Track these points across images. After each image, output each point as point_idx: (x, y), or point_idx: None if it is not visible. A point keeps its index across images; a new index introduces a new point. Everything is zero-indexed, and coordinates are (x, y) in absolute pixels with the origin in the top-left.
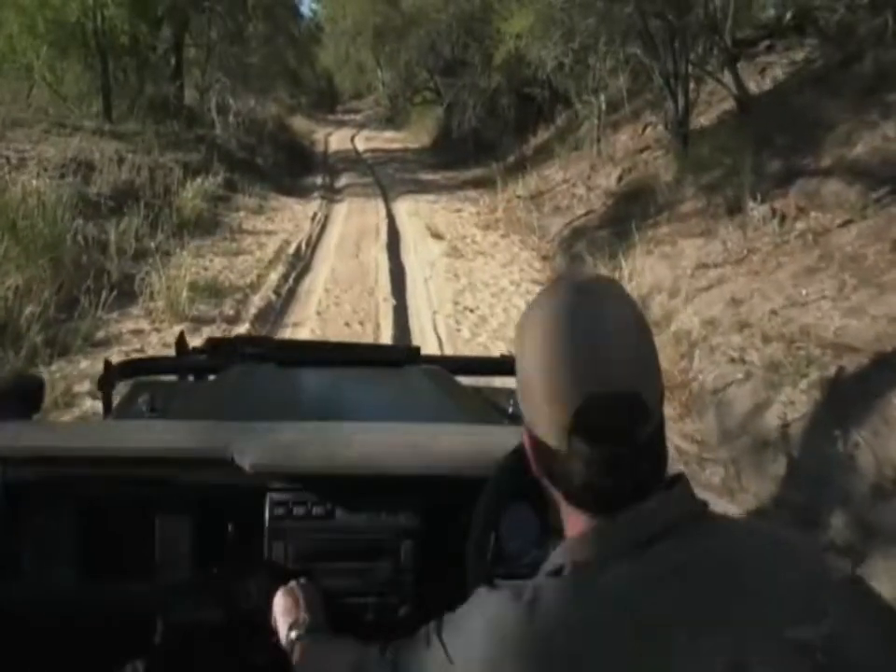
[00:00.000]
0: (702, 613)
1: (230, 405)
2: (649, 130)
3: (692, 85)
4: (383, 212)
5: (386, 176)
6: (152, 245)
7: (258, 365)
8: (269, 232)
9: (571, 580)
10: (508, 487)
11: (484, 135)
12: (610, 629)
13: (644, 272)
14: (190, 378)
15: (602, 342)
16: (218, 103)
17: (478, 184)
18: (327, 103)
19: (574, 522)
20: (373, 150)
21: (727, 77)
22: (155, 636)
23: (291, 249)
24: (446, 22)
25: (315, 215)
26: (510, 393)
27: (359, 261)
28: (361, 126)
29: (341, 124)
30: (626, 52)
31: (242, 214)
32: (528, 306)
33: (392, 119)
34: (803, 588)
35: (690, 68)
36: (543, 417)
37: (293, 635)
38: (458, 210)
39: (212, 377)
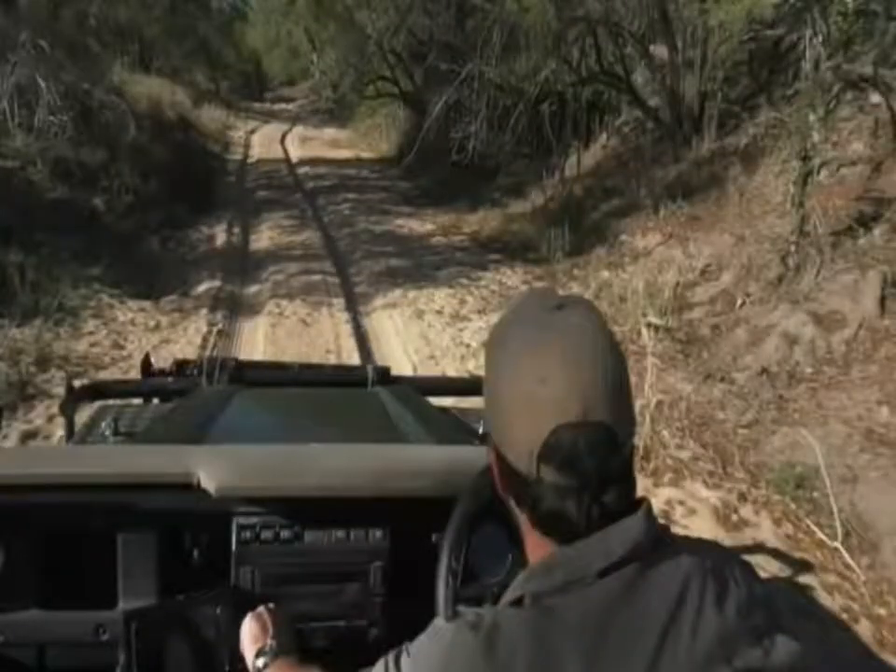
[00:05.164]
0: (660, 641)
1: (195, 428)
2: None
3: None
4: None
5: (342, 223)
6: None
7: (224, 387)
8: None
9: (531, 610)
10: (477, 508)
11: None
12: (569, 661)
13: None
14: (155, 401)
15: (575, 370)
16: (20, 86)
17: (510, 250)
18: (253, 89)
19: (537, 548)
20: (314, 161)
21: None
22: (118, 665)
23: None
24: None
25: None
26: (480, 413)
27: None
28: (295, 119)
29: (269, 116)
30: None
31: None
32: (498, 323)
33: (333, 113)
34: (753, 613)
35: None
36: (512, 441)
37: (260, 662)
38: None
39: (177, 399)
